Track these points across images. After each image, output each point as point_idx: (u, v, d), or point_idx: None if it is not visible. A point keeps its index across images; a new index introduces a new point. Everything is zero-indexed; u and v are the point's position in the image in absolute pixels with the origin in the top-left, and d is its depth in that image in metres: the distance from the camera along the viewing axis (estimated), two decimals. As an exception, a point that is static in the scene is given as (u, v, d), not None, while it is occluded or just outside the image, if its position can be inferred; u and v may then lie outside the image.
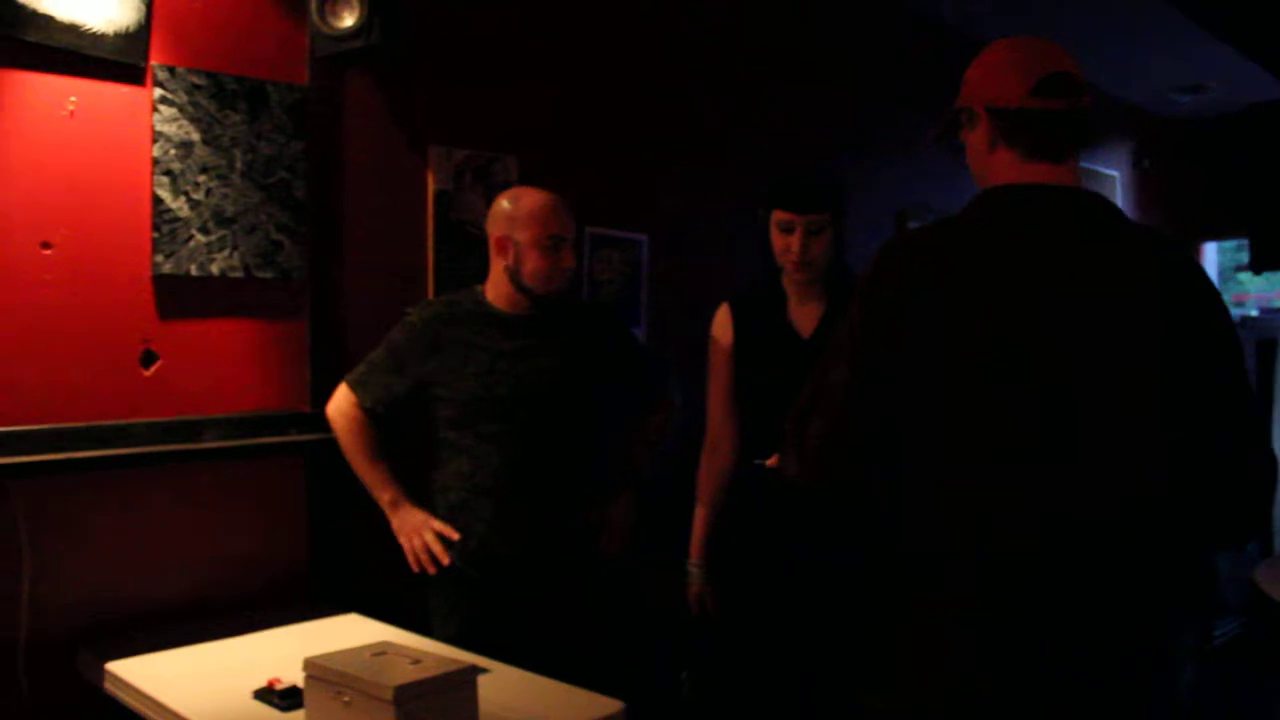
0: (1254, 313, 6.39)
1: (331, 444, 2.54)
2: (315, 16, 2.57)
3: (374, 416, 2.41)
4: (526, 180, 3.06)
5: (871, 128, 4.61)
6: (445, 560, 2.34)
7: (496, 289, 2.41)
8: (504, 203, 2.39)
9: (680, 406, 2.63)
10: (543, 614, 2.38)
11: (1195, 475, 1.48)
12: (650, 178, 3.56)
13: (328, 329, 2.73)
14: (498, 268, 2.39)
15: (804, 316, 2.43)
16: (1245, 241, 7.72)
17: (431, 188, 2.95)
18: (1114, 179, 6.49)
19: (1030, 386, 1.47)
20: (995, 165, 1.63)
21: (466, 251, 3.03)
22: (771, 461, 2.00)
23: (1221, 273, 7.68)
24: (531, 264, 2.34)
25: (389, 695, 1.63)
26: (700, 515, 2.51)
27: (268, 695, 1.89)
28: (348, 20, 2.56)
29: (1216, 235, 7.51)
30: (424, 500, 2.43)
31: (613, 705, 1.86)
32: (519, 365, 2.37)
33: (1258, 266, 5.09)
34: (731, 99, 3.92)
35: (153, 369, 2.42)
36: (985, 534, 1.47)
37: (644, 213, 3.53)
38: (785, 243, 2.37)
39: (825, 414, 1.58)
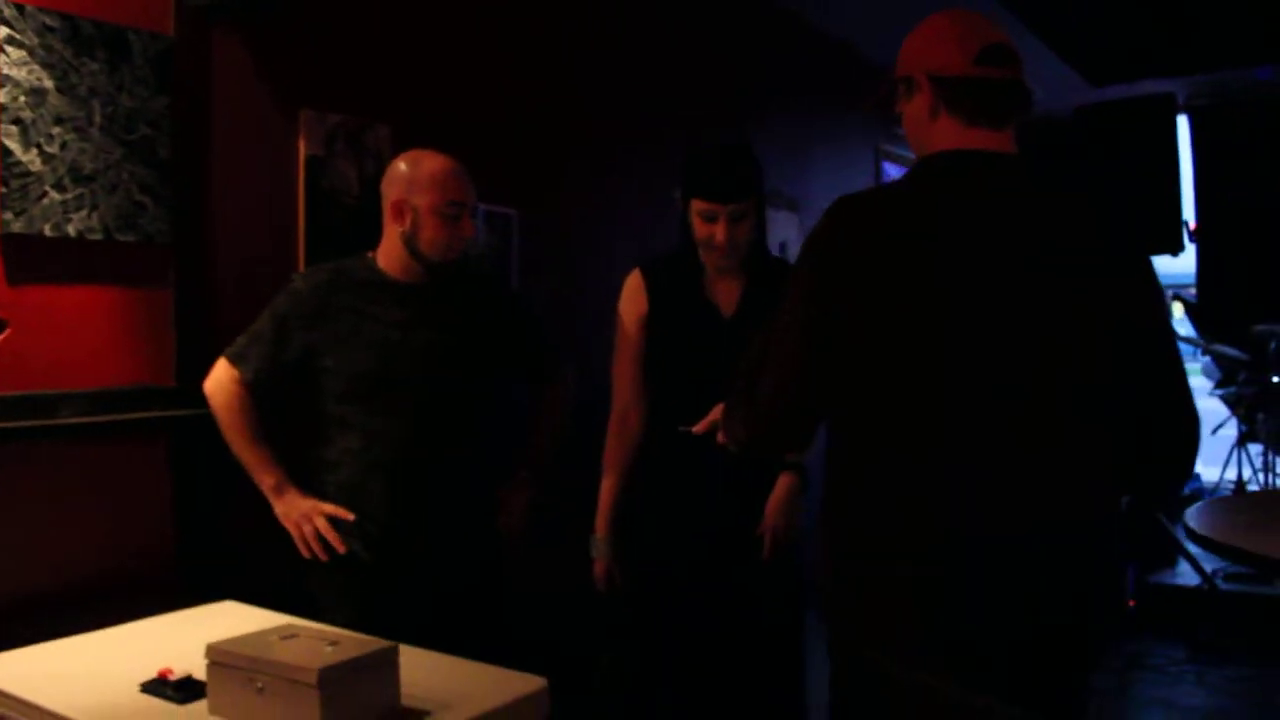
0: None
1: (200, 421, 2.37)
2: (186, -40, 2.39)
3: (256, 391, 2.25)
4: (400, 150, 2.94)
5: (746, 119, 4.65)
6: (341, 548, 2.22)
7: (389, 256, 2.30)
8: (401, 165, 2.27)
9: (575, 383, 2.57)
10: (446, 598, 2.29)
11: (1133, 431, 1.55)
12: (522, 152, 3.49)
13: (194, 298, 2.55)
14: (392, 233, 2.27)
15: (723, 293, 2.40)
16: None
17: (303, 153, 2.79)
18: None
19: (976, 357, 1.50)
20: (936, 132, 1.65)
21: (338, 220, 2.89)
22: (699, 428, 1.97)
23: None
24: (430, 231, 2.23)
25: (312, 679, 1.53)
26: (607, 488, 2.45)
27: (159, 687, 1.74)
28: (223, -34, 2.38)
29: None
30: (305, 480, 2.29)
31: (535, 682, 1.80)
32: (413, 336, 2.26)
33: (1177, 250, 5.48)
34: (607, 75, 3.88)
35: (0, 338, 2.20)
36: (929, 515, 1.48)
37: (515, 187, 3.45)
38: (709, 231, 2.31)
39: (776, 374, 1.57)
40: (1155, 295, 1.60)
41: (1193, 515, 2.52)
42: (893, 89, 1.73)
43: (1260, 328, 5.72)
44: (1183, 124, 6.70)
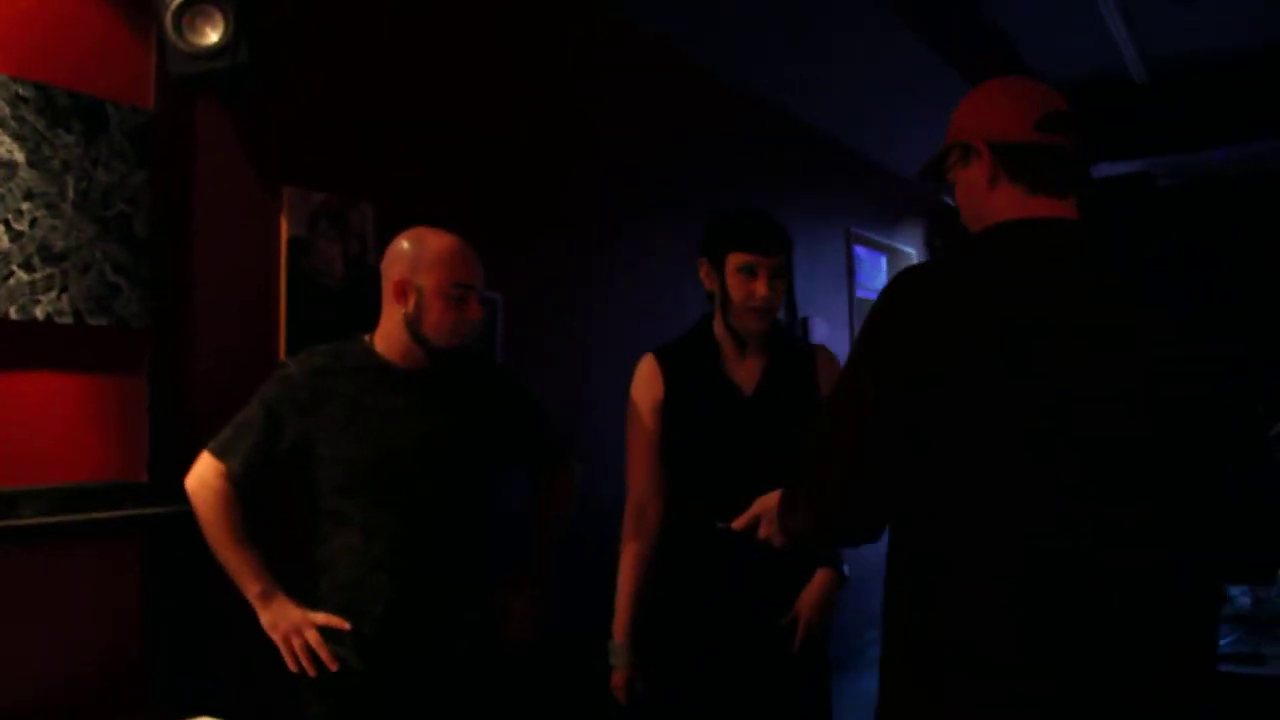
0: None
1: (175, 520, 2.19)
2: (171, 30, 2.26)
3: (243, 487, 2.06)
4: (383, 231, 2.82)
5: (721, 200, 4.60)
6: (334, 665, 2.02)
7: (389, 339, 2.14)
8: (404, 243, 2.13)
9: (580, 479, 2.41)
10: (443, 709, 2.10)
11: (1228, 511, 1.43)
12: (507, 236, 3.37)
13: (170, 386, 2.38)
14: (393, 315, 2.12)
15: (743, 371, 2.28)
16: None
17: (285, 232, 2.65)
18: (911, 256, 6.79)
19: (1074, 437, 1.38)
20: (996, 201, 1.55)
21: (320, 302, 2.74)
22: (738, 524, 1.82)
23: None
24: (435, 314, 2.09)
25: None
26: (625, 589, 2.27)
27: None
28: (211, 37, 2.27)
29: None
30: (294, 584, 2.10)
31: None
32: (415, 424, 2.10)
33: None
34: (590, 157, 3.81)
35: (-41, 431, 2.02)
36: (1051, 607, 1.34)
37: (500, 271, 3.33)
38: (749, 288, 2.20)
39: (843, 461, 1.42)
40: (1223, 364, 1.48)
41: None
42: (946, 155, 1.64)
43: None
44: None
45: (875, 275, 6.24)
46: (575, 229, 3.74)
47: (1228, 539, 1.44)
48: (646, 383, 2.30)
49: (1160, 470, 1.38)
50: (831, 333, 5.62)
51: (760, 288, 2.20)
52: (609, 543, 2.35)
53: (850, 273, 5.95)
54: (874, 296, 6.36)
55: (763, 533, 1.72)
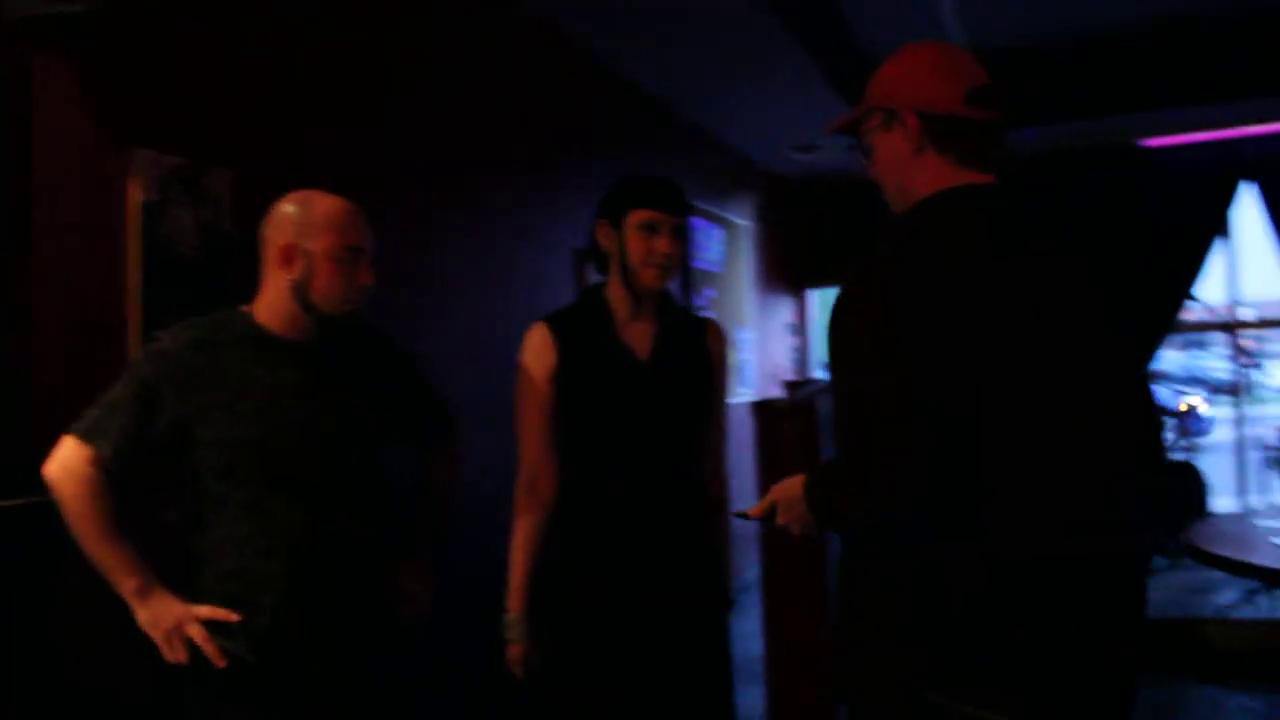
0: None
1: (20, 514, 1.99)
2: (10, -31, 2.04)
3: (114, 474, 1.88)
4: (243, 198, 2.65)
5: (553, 170, 4.54)
6: (221, 662, 1.88)
7: (273, 309, 2.00)
8: (289, 207, 1.98)
9: (464, 454, 2.33)
10: (339, 698, 1.99)
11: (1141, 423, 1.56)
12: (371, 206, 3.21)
13: (8, 367, 2.15)
14: (278, 283, 1.98)
15: (636, 337, 2.26)
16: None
17: (135, 198, 2.44)
18: (742, 228, 6.91)
19: (1056, 374, 1.47)
20: (921, 169, 1.59)
21: (174, 273, 2.54)
22: (755, 512, 1.80)
23: (826, 317, 8.43)
24: (325, 279, 1.96)
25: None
26: (520, 562, 2.21)
27: None
28: (58, -23, 2.05)
29: (821, 283, 8.24)
30: (174, 576, 1.94)
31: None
32: (307, 400, 1.97)
33: None
34: (444, 133, 3.68)
35: None
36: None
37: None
38: (649, 244, 2.19)
39: (889, 428, 1.43)
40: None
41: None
42: (865, 118, 1.64)
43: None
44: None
45: (710, 246, 6.31)
46: (440, 200, 3.62)
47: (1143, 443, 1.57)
48: (538, 351, 2.24)
49: (1097, 394, 1.51)
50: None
51: (662, 244, 2.19)
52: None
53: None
54: (713, 268, 6.38)
55: (780, 520, 1.73)
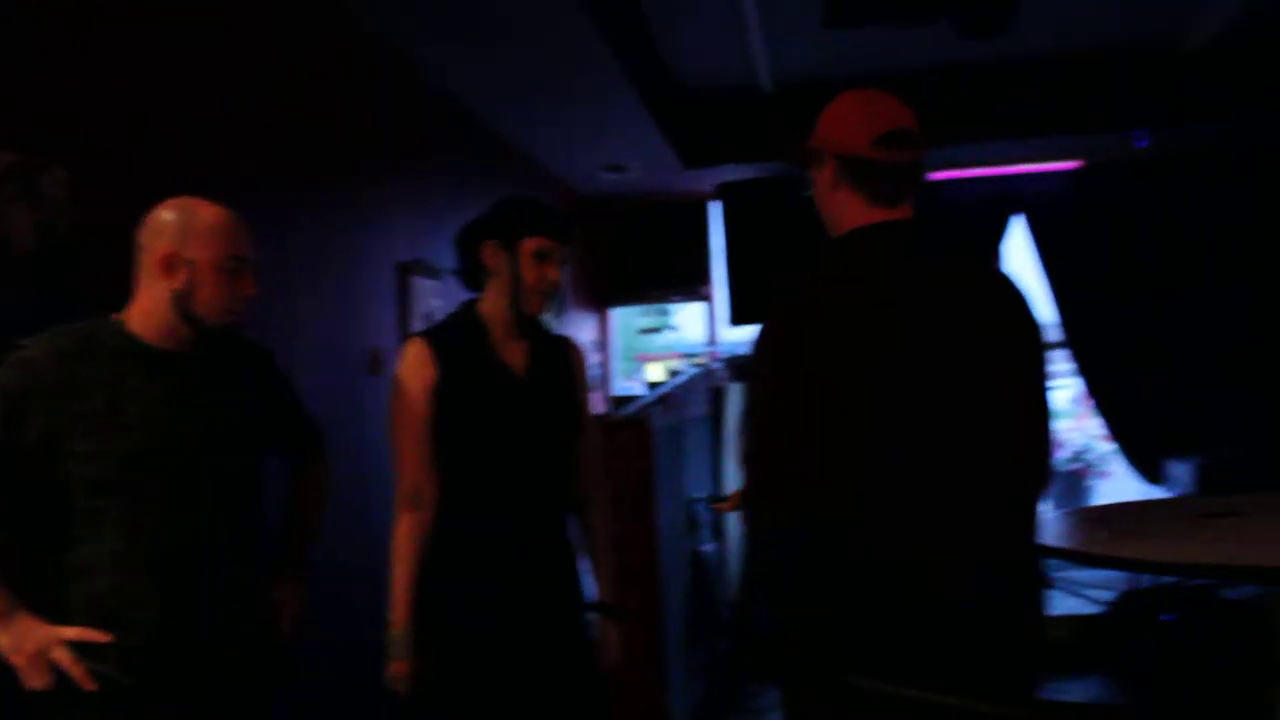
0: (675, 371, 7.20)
1: None
2: None
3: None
4: (85, 199, 2.51)
5: (376, 183, 4.48)
6: (90, 686, 1.79)
7: (149, 318, 1.92)
8: (168, 214, 1.92)
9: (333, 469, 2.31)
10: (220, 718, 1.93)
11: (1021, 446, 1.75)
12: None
13: None
14: (157, 293, 1.91)
15: (511, 354, 2.33)
16: (648, 307, 8.78)
17: (-35, 195, 2.28)
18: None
19: (913, 404, 1.63)
20: (838, 203, 1.80)
21: (6, 274, 2.38)
22: (726, 506, 1.96)
23: (626, 335, 8.63)
24: (209, 289, 1.91)
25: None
26: (402, 577, 2.20)
27: None
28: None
29: (624, 301, 8.44)
30: (38, 598, 1.84)
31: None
32: (184, 412, 1.91)
33: (736, 321, 5.91)
34: (271, 143, 3.59)
35: None
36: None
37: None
38: (541, 271, 2.28)
39: (791, 456, 1.66)
40: (1031, 334, 1.80)
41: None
42: (808, 154, 1.85)
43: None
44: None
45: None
46: (284, 203, 3.53)
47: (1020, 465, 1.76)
48: (417, 367, 2.26)
49: (976, 428, 1.69)
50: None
51: (552, 272, 2.29)
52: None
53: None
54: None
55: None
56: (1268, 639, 2.10)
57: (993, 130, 6.35)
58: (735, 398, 5.37)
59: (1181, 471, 5.68)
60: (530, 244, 2.28)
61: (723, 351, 6.87)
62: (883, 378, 1.65)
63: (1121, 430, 7.14)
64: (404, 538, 2.22)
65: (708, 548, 4.51)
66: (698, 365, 5.34)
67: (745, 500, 1.72)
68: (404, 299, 4.59)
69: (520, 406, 2.30)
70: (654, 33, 5.55)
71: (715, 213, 7.55)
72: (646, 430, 3.73)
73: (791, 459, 1.64)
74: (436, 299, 4.95)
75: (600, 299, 8.35)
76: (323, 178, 3.96)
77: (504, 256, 2.28)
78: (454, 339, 2.30)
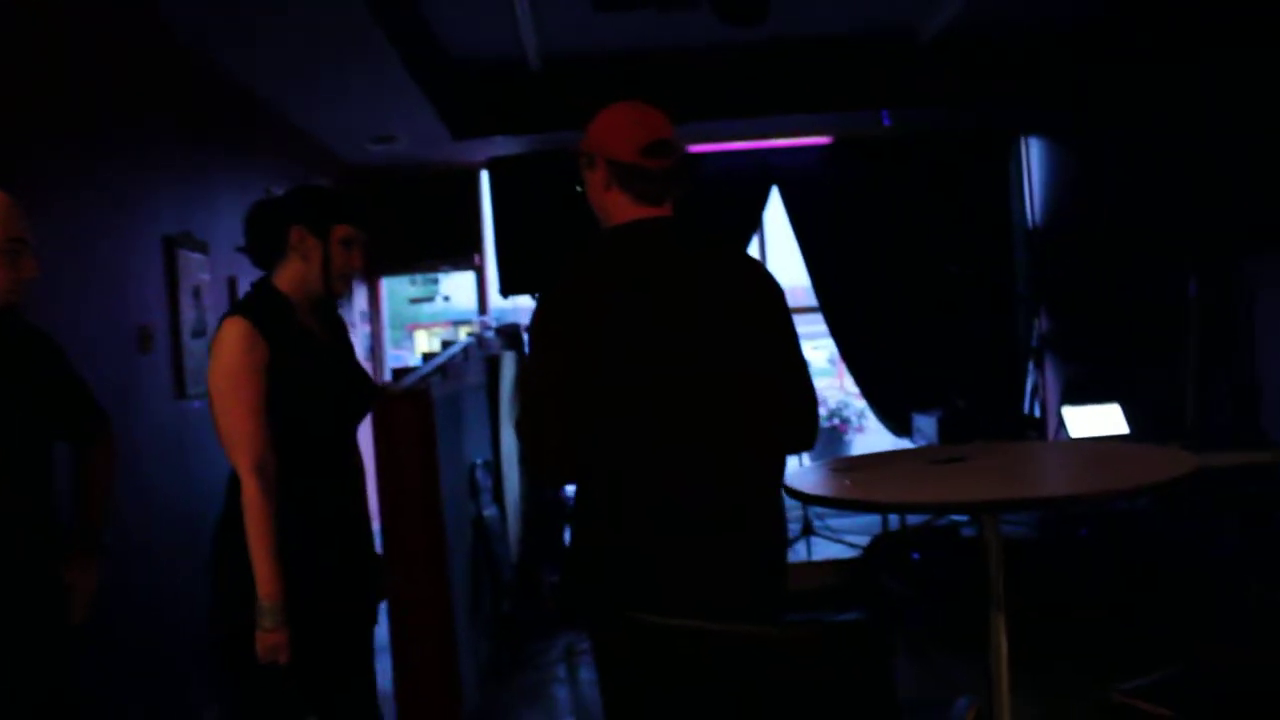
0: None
1: None
2: None
3: None
4: None
5: (138, 155, 4.33)
6: None
7: (-81, 303, 1.88)
8: None
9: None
10: (15, 702, 1.92)
11: (780, 408, 2.07)
12: None
13: None
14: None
15: (315, 326, 2.45)
16: (418, 276, 8.76)
17: None
18: (323, 217, 6.88)
19: (664, 385, 1.96)
20: (610, 201, 2.09)
21: None
22: None
23: (396, 304, 8.59)
24: None
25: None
26: (266, 548, 2.21)
27: None
28: None
29: (393, 271, 8.40)
30: None
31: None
32: None
33: (505, 292, 5.97)
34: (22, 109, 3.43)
35: None
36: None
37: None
38: (348, 258, 2.41)
39: (552, 422, 1.94)
40: (780, 309, 2.11)
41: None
42: (578, 155, 2.13)
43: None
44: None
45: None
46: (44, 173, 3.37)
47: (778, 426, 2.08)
48: (249, 345, 2.28)
49: (723, 392, 2.01)
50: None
51: (357, 259, 2.44)
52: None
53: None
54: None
55: None
56: (985, 568, 2.42)
57: (751, 107, 6.73)
58: (509, 366, 5.50)
59: (925, 424, 6.24)
60: (340, 231, 2.39)
61: (494, 320, 6.97)
62: (638, 351, 1.95)
63: (871, 388, 7.75)
64: (261, 510, 2.21)
65: (489, 512, 4.63)
66: (471, 334, 5.42)
67: (522, 463, 1.97)
68: (172, 274, 4.47)
69: (340, 376, 2.45)
70: (423, 5, 5.55)
71: (486, 184, 7.64)
72: (428, 400, 3.82)
73: (551, 427, 1.94)
74: (204, 273, 4.83)
75: (369, 269, 8.28)
76: (79, 151, 3.81)
77: (313, 241, 2.36)
78: (269, 318, 2.33)
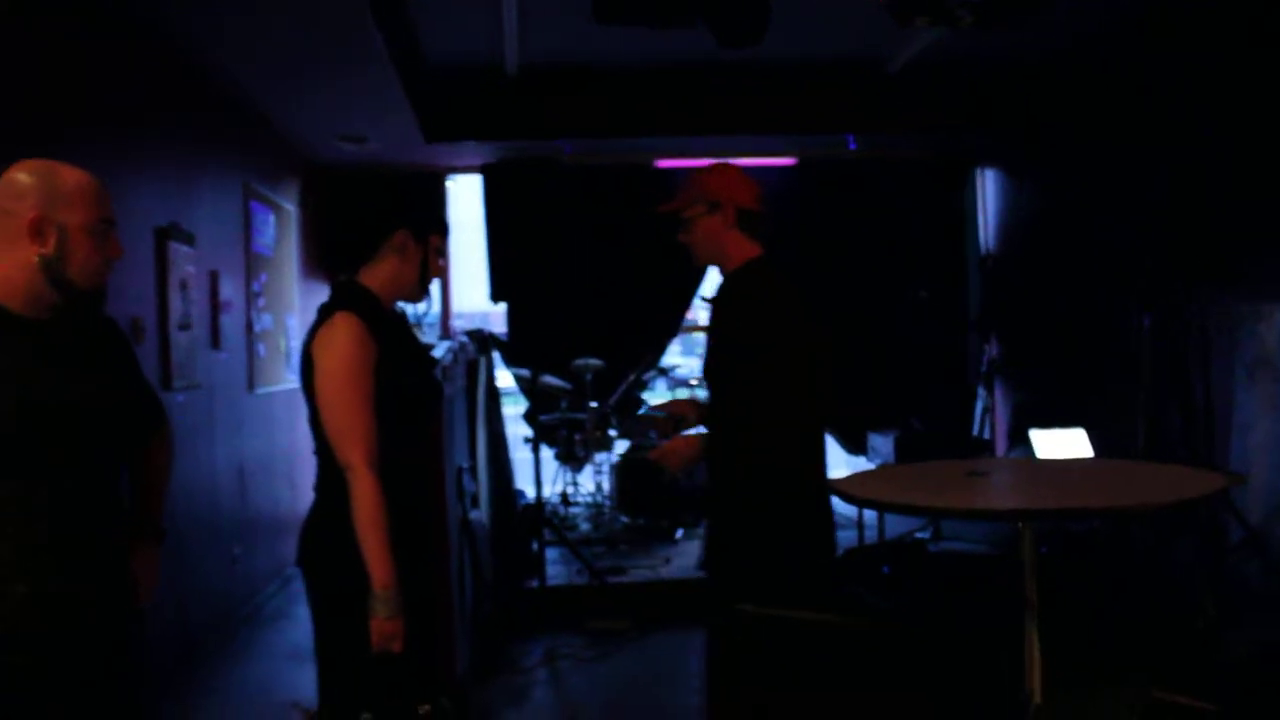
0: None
1: None
2: None
3: None
4: None
5: (126, 148, 4.27)
6: None
7: (11, 287, 1.85)
8: (27, 177, 1.85)
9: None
10: (99, 688, 1.92)
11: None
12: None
13: None
14: (23, 259, 1.84)
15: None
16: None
17: None
18: (290, 213, 6.83)
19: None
20: (730, 240, 2.68)
21: None
22: (655, 455, 2.67)
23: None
24: (84, 253, 1.88)
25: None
26: (382, 537, 2.22)
27: None
28: None
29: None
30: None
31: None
32: (61, 382, 1.86)
33: (495, 298, 5.98)
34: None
35: None
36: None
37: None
38: (439, 266, 2.53)
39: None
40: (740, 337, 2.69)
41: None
42: (690, 204, 2.64)
43: (578, 362, 6.75)
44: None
45: (264, 231, 6.20)
46: None
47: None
48: (362, 342, 2.31)
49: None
50: (235, 287, 5.53)
51: (444, 268, 2.61)
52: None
53: (248, 228, 5.87)
54: (265, 252, 6.26)
55: (673, 463, 2.67)
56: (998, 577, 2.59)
57: (721, 125, 6.86)
58: (483, 371, 5.51)
59: (882, 444, 6.41)
60: (436, 240, 2.49)
61: (463, 324, 6.96)
62: (799, 368, 2.64)
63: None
64: (376, 503, 2.22)
65: (475, 515, 4.65)
66: (448, 339, 5.43)
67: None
68: (162, 266, 4.42)
69: (428, 373, 2.58)
70: (410, 7, 5.55)
71: (456, 189, 7.65)
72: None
73: (773, 425, 2.60)
74: (190, 266, 4.78)
75: (334, 268, 8.19)
76: (73, 140, 3.76)
77: (415, 246, 2.43)
78: (371, 315, 2.35)
